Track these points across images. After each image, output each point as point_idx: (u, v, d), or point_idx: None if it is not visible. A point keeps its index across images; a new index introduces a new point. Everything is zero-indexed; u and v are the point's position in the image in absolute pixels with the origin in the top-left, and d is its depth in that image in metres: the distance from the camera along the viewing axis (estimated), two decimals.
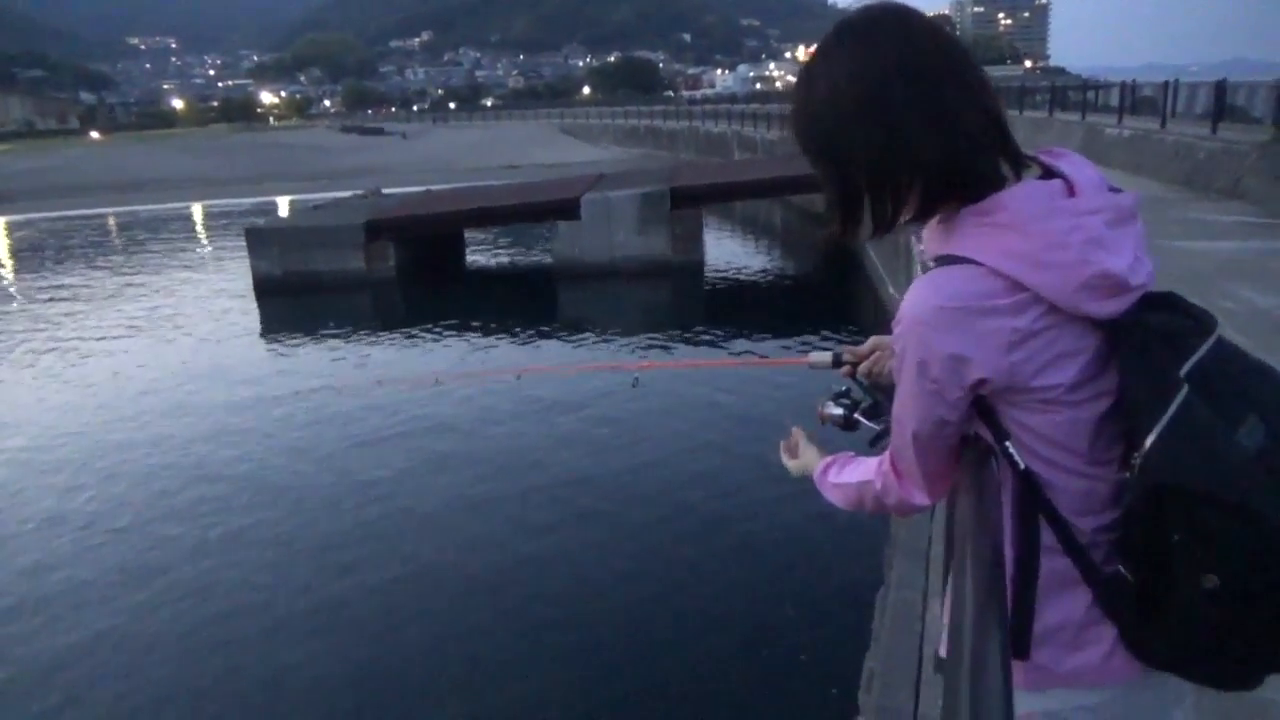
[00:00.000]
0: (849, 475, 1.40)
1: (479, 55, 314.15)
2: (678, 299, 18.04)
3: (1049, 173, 1.15)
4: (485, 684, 5.51)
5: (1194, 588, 1.03)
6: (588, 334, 14.91)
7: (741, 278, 19.93)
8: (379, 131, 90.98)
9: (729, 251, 22.72)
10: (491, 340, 14.59)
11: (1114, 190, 1.14)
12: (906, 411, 1.19)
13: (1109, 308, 1.08)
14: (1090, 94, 23.42)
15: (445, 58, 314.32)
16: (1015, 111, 23.84)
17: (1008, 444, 1.15)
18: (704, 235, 19.91)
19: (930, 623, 3.18)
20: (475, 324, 15.42)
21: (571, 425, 9.80)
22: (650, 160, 43.84)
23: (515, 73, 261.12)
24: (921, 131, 1.09)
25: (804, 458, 1.54)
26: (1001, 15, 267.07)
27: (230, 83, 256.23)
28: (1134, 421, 1.06)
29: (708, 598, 6.38)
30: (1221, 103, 15.14)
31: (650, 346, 13.83)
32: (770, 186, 21.51)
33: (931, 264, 1.15)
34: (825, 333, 13.95)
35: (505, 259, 23.20)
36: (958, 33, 1.22)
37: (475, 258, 22.66)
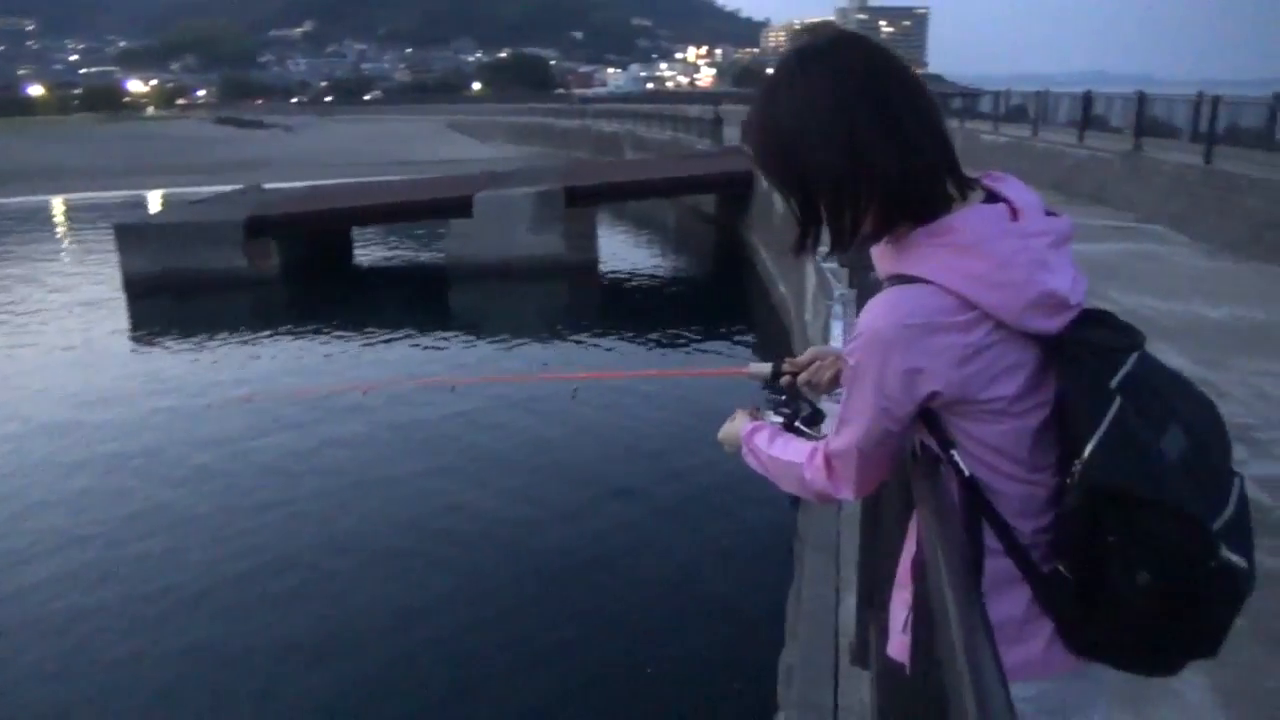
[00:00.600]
0: (779, 451, 1.44)
1: (364, 48, 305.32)
2: (575, 299, 17.98)
3: (991, 196, 1.21)
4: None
5: (1127, 584, 1.10)
6: (495, 337, 14.63)
7: (637, 277, 20.03)
8: (259, 124, 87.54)
9: (623, 250, 22.79)
10: (388, 343, 14.14)
11: (1050, 214, 1.21)
12: (855, 421, 1.23)
13: (1051, 324, 1.15)
14: (967, 100, 24.50)
15: (329, 49, 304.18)
16: None
17: (954, 452, 1.21)
18: (598, 234, 19.93)
19: (844, 617, 3.29)
20: (370, 326, 14.94)
21: (512, 437, 9.58)
22: (543, 159, 43.61)
23: (403, 66, 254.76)
24: (883, 152, 1.14)
25: (734, 425, 1.57)
26: (883, 24, 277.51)
27: (95, 69, 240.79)
28: (1073, 430, 1.13)
29: (630, 598, 6.46)
30: (1087, 113, 16.11)
31: (559, 344, 13.78)
32: (664, 186, 21.74)
33: (884, 282, 1.20)
34: (724, 341, 14.18)
35: (396, 257, 22.64)
36: None
37: (364, 255, 22.04)
